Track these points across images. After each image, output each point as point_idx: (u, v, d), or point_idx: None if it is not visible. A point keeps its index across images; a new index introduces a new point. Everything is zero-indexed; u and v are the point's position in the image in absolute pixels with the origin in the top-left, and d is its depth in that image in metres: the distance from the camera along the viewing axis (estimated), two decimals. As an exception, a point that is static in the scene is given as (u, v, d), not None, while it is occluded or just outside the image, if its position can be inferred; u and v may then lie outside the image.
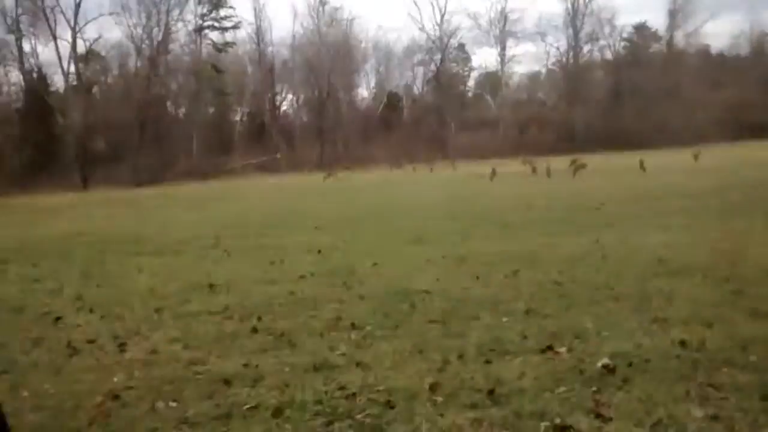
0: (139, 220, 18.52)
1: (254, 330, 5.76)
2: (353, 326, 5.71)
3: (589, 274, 7.65)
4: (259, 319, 6.15)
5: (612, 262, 8.39)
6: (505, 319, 5.76)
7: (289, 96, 63.58)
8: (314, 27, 57.48)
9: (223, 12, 53.42)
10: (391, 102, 66.09)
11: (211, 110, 59.60)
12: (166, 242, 13.21)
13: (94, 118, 48.10)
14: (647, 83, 60.44)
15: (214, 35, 53.84)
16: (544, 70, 69.56)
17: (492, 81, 68.60)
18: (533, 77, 71.21)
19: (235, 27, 54.49)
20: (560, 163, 29.13)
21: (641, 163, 26.07)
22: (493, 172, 26.48)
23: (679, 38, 62.16)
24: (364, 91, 68.35)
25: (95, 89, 52.04)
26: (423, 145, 57.94)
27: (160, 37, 46.28)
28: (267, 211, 18.44)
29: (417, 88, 69.04)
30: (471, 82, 72.98)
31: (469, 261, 9.03)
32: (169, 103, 54.36)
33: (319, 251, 10.70)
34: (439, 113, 59.48)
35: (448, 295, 6.88)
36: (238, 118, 56.94)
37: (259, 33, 57.00)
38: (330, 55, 54.20)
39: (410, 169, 40.54)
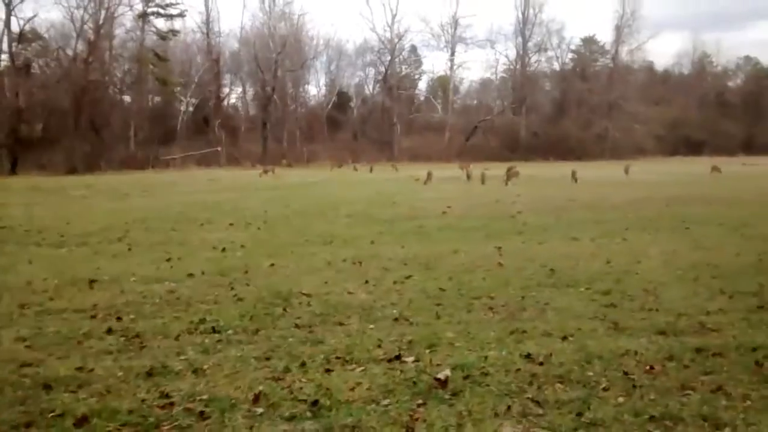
0: (55, 210, 17.84)
1: (109, 331, 5.53)
2: (213, 330, 5.54)
3: (476, 282, 7.66)
4: (119, 319, 5.92)
5: (505, 270, 8.42)
6: (371, 326, 5.68)
7: (238, 89, 62.87)
8: (264, 20, 56.77)
9: (168, -1, 52.36)
10: (341, 101, 65.77)
11: (157, 99, 58.39)
12: (72, 233, 12.72)
13: (30, 101, 46.40)
14: (592, 95, 61.83)
15: (160, 22, 52.72)
16: (495, 77, 70.37)
17: (443, 85, 69.04)
18: (485, 83, 71.90)
19: (181, 15, 53.37)
20: (499, 169, 29.46)
21: (573, 174, 26.54)
22: (428, 176, 26.52)
23: (624, 53, 63.61)
24: (313, 89, 67.99)
25: (34, 70, 50.12)
26: (369, 145, 57.95)
27: (101, 21, 44.81)
28: (188, 205, 18.01)
29: (368, 89, 69.06)
30: (423, 85, 73.38)
31: (368, 265, 8.95)
32: (111, 90, 52.87)
33: (224, 249, 10.49)
34: (387, 115, 59.44)
35: (328, 299, 6.77)
36: (183, 108, 55.59)
37: (207, 22, 55.99)
38: (278, 50, 53.53)
39: (351, 168, 40.39)
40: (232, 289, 7.29)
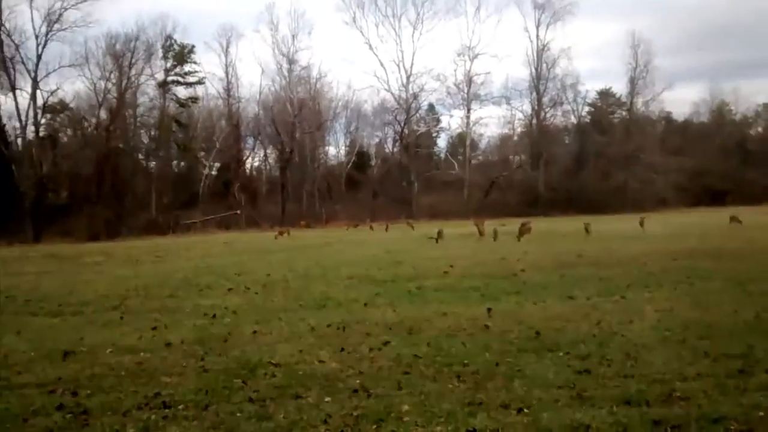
0: (65, 278, 18.01)
1: (60, 407, 5.45)
2: (164, 405, 5.42)
3: (455, 347, 7.46)
4: (75, 394, 5.85)
5: (489, 334, 8.22)
6: (327, 399, 5.52)
7: (261, 153, 64.02)
8: (282, 84, 58.19)
9: (187, 67, 54.12)
10: (361, 160, 66.54)
11: (182, 164, 59.71)
12: (71, 302, 12.76)
13: (56, 170, 47.66)
14: (610, 148, 61.65)
15: (181, 90, 54.35)
16: (513, 133, 70.68)
17: (462, 142, 69.53)
18: (504, 139, 72.19)
19: (200, 82, 55.13)
20: (515, 225, 29.18)
21: (586, 227, 26.23)
22: (439, 234, 26.40)
23: (640, 105, 63.73)
24: (333, 149, 68.92)
25: (61, 139, 51.72)
26: (389, 204, 58.19)
27: (123, 89, 46.30)
28: (195, 270, 18.06)
29: (387, 148, 69.83)
30: (442, 143, 73.89)
31: (351, 330, 8.81)
32: (140, 156, 54.28)
33: (214, 315, 10.44)
34: (405, 173, 59.85)
35: (296, 369, 6.63)
36: (205, 172, 56.66)
37: (228, 89, 57.62)
38: (295, 113, 54.63)
39: (368, 228, 40.43)
40: (203, 359, 7.18)
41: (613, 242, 22.04)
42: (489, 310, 9.85)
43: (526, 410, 4.96)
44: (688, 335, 7.65)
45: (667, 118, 74.48)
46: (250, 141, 61.19)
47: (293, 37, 57.76)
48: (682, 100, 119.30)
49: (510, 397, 5.35)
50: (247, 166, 62.09)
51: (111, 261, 23.87)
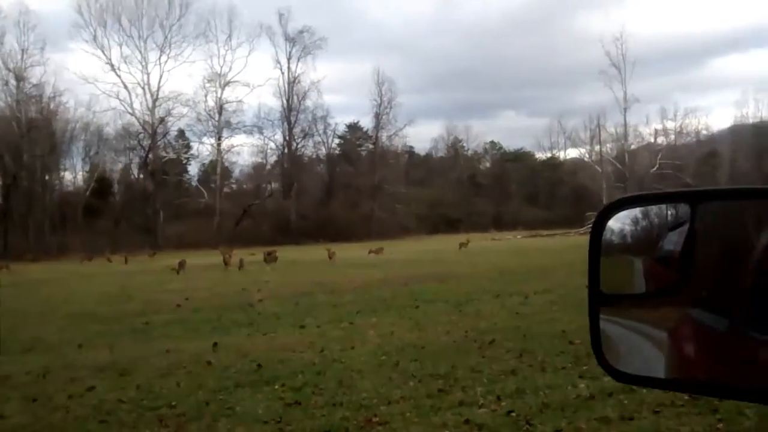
0: None
1: None
2: None
3: (168, 388, 7.00)
4: None
5: (210, 370, 7.86)
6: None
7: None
8: (9, 101, 51.91)
9: None
10: (102, 186, 61.51)
11: None
12: None
13: None
14: (358, 179, 64.72)
15: None
16: (266, 162, 70.70)
17: (214, 170, 67.81)
18: (257, 168, 71.83)
19: None
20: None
21: (330, 255, 26.93)
22: (181, 265, 25.21)
23: (384, 138, 67.92)
24: (69, 175, 62.89)
25: None
26: (133, 233, 54.49)
27: None
28: None
29: (133, 174, 65.55)
30: (194, 170, 71.29)
31: (54, 376, 7.92)
32: None
33: None
34: (151, 201, 56.70)
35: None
36: None
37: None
38: (24, 133, 49.07)
39: (105, 260, 37.33)
40: None
41: (353, 269, 22.84)
42: (215, 344, 9.44)
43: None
44: (402, 358, 7.97)
45: (410, 152, 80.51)
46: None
47: (22, 51, 52.14)
48: (423, 136, 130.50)
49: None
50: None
51: None
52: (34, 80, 52.94)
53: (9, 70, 51.37)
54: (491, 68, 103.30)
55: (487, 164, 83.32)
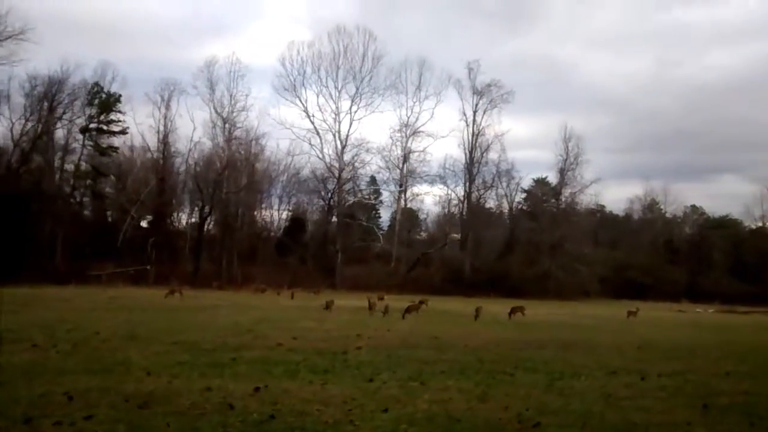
0: None
1: None
2: None
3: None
4: None
5: (229, 415, 7.47)
6: None
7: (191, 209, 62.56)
8: (216, 142, 57.66)
9: (112, 116, 53.23)
10: (295, 226, 65.55)
11: (108, 213, 58.06)
12: None
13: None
14: (539, 235, 62.33)
15: (104, 138, 53.18)
16: (452, 211, 70.87)
17: (395, 216, 69.42)
18: (439, 217, 72.40)
19: (122, 132, 54.16)
20: (432, 302, 28.97)
21: (477, 312, 25.76)
22: (328, 305, 25.64)
23: (567, 195, 65.12)
24: (267, 213, 67.93)
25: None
26: (316, 272, 57.22)
27: (38, 133, 45.12)
28: (25, 324, 16.77)
29: (321, 217, 69.11)
30: (385, 215, 73.39)
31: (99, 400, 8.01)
32: (59, 202, 52.45)
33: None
34: (331, 242, 59.27)
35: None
36: (126, 224, 54.93)
37: (164, 141, 56.49)
38: (221, 171, 54.03)
39: (275, 294, 39.30)
40: None
41: (487, 327, 21.60)
42: (256, 389, 9.08)
43: None
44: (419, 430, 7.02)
45: (601, 211, 76.29)
46: (186, 197, 60.16)
47: (231, 96, 57.84)
48: (616, 196, 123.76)
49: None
50: (183, 222, 60.84)
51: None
52: (239, 123, 58.47)
53: (218, 114, 57.17)
54: (704, 129, 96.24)
55: (686, 229, 76.22)
